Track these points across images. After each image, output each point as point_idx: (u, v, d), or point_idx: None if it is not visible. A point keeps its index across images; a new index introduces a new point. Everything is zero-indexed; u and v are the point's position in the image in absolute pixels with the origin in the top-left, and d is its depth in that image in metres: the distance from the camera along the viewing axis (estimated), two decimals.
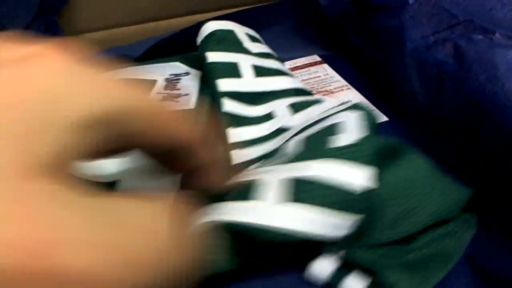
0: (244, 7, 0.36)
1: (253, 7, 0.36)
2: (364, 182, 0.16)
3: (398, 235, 0.17)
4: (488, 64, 0.21)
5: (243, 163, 0.23)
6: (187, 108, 0.28)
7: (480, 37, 0.22)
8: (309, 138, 0.20)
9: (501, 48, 0.21)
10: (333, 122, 0.20)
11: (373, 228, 0.16)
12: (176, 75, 0.31)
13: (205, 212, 0.16)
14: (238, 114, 0.26)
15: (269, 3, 0.36)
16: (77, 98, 0.11)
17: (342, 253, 0.17)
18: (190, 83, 0.30)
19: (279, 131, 0.25)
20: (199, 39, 0.30)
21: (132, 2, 0.34)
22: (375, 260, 0.16)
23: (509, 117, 0.19)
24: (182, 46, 0.32)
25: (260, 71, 0.28)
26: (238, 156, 0.23)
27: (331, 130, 0.19)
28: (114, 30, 0.35)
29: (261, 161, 0.23)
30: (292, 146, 0.21)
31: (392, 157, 0.18)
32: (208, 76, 0.27)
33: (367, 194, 0.15)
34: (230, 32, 0.30)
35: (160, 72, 0.31)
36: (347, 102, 0.25)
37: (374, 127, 0.19)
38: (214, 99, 0.26)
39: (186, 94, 0.29)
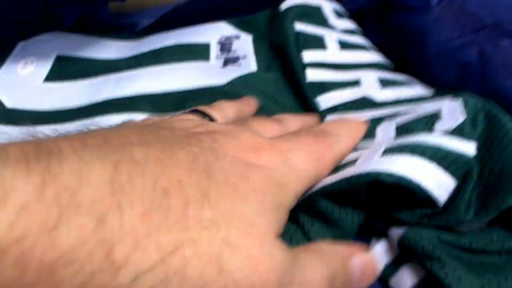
0: None
1: None
2: (472, 153, 0.17)
3: (482, 215, 0.15)
4: None
5: None
6: (250, 71, 0.27)
7: (507, 41, 0.22)
8: (410, 124, 0.20)
9: None
10: (434, 109, 0.20)
11: (461, 201, 0.16)
12: (227, 37, 0.31)
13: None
14: (324, 81, 0.26)
15: None
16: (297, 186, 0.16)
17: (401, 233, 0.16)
18: (244, 45, 0.30)
19: (366, 100, 0.24)
20: (284, 6, 0.30)
21: None
22: (436, 245, 0.15)
23: None
24: (201, 14, 0.32)
25: (345, 45, 0.28)
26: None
27: (433, 116, 0.20)
28: None
29: None
30: (386, 130, 0.21)
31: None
32: (290, 45, 0.27)
33: (472, 162, 0.16)
34: (317, 9, 0.30)
35: (209, 34, 0.31)
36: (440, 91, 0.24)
37: (473, 112, 0.19)
38: (293, 71, 0.26)
39: (244, 57, 0.29)
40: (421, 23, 0.27)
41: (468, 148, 0.17)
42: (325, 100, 0.25)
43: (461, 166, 0.16)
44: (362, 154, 0.18)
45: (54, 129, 0.23)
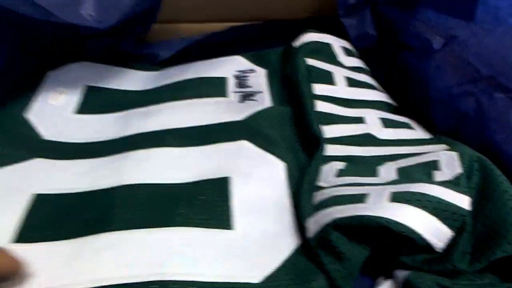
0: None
1: (281, 20, 0.38)
2: (467, 206, 0.19)
3: (475, 265, 0.18)
4: (507, 125, 0.23)
5: (330, 157, 0.25)
6: (265, 106, 0.29)
7: (501, 95, 0.25)
8: (410, 168, 0.23)
9: None
10: (433, 158, 0.23)
11: (456, 251, 0.18)
12: (242, 71, 0.33)
13: (321, 215, 0.20)
14: (330, 113, 0.28)
15: (298, 18, 0.38)
16: None
17: (405, 276, 0.18)
18: (259, 80, 0.32)
19: (369, 136, 0.27)
20: (297, 43, 0.32)
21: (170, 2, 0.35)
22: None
23: None
24: (218, 47, 0.34)
25: (352, 82, 0.31)
26: (329, 150, 0.26)
27: (432, 165, 0.22)
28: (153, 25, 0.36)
29: (347, 163, 0.25)
30: (388, 171, 0.23)
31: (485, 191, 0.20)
32: (302, 77, 0.29)
33: (467, 215, 0.19)
34: (327, 45, 0.33)
35: (226, 68, 0.33)
36: (437, 136, 0.27)
37: (468, 164, 0.21)
38: (303, 98, 0.28)
39: (260, 92, 0.31)
40: (424, 67, 0.29)
41: (464, 201, 0.20)
42: (330, 130, 0.27)
43: (457, 218, 0.19)
44: (370, 192, 0.21)
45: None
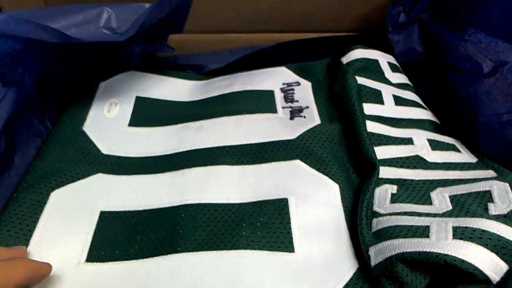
0: (317, 34, 0.38)
1: (328, 36, 0.38)
2: None
3: None
4: None
5: (382, 179, 0.27)
6: (315, 123, 0.30)
7: None
8: (463, 198, 0.24)
9: None
10: (485, 188, 0.24)
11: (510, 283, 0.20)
12: (288, 84, 0.34)
13: (385, 246, 0.21)
14: (380, 134, 0.29)
15: (344, 34, 0.38)
16: None
17: None
18: (305, 94, 0.33)
19: (418, 159, 0.28)
20: (345, 60, 0.33)
21: (214, 11, 0.36)
22: None
23: None
24: (265, 60, 0.35)
25: (400, 101, 0.31)
26: (381, 172, 0.27)
27: (486, 196, 0.23)
28: (193, 36, 0.36)
29: (399, 186, 0.26)
30: (441, 199, 0.24)
31: None
32: (353, 97, 0.30)
33: None
34: (375, 62, 0.33)
35: (272, 80, 0.34)
36: (483, 159, 0.28)
37: None
38: (355, 118, 0.29)
39: (307, 107, 0.32)
40: (473, 90, 0.30)
41: None
42: (380, 151, 0.28)
43: None
44: (431, 224, 0.22)
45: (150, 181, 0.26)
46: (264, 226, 0.25)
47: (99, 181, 0.28)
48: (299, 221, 0.25)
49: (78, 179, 0.27)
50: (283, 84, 0.34)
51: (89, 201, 0.26)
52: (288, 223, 0.25)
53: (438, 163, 0.28)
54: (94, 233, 0.25)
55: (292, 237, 0.24)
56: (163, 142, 0.31)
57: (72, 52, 0.31)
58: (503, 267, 0.20)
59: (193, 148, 0.30)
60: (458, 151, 0.29)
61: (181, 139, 0.30)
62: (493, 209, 0.22)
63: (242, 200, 0.26)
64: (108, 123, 0.32)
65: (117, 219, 0.26)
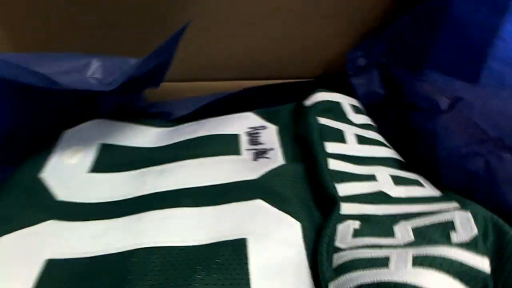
0: (283, 80, 0.39)
1: (291, 82, 0.39)
2: (487, 270, 0.19)
3: None
4: None
5: (345, 215, 0.26)
6: (278, 164, 0.30)
7: (510, 157, 0.25)
8: (426, 229, 0.23)
9: None
10: (447, 218, 0.23)
11: None
12: (254, 128, 0.34)
13: (344, 280, 0.20)
14: (342, 171, 0.29)
15: (306, 80, 0.39)
16: None
17: None
18: (270, 137, 0.33)
19: (381, 194, 0.27)
20: (308, 102, 0.33)
21: (183, 59, 0.37)
22: None
23: None
24: (232, 106, 0.35)
25: (362, 140, 0.31)
26: (343, 208, 0.26)
27: (448, 226, 0.23)
28: (163, 84, 0.37)
29: (362, 222, 0.25)
30: (403, 232, 0.23)
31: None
32: (315, 136, 0.30)
33: (488, 278, 0.19)
34: (337, 104, 0.34)
35: (238, 125, 0.34)
36: (447, 193, 0.28)
37: (483, 225, 0.22)
38: (316, 156, 0.29)
39: (272, 149, 0.32)
40: (431, 126, 0.30)
41: (483, 264, 0.20)
42: (343, 188, 0.27)
43: (479, 281, 0.19)
44: (391, 255, 0.21)
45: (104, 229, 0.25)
46: (220, 268, 0.23)
47: (50, 228, 0.26)
48: (258, 261, 0.24)
49: (28, 225, 0.26)
50: (249, 128, 0.34)
51: (35, 249, 0.25)
52: (246, 263, 0.24)
53: (401, 198, 0.27)
54: (39, 281, 0.23)
55: (249, 278, 0.23)
56: (123, 187, 0.30)
57: (47, 102, 0.31)
58: None
59: (153, 191, 0.29)
60: (422, 185, 0.28)
61: (142, 183, 0.30)
62: (455, 238, 0.22)
63: (198, 242, 0.25)
64: (67, 170, 0.31)
65: (64, 267, 0.24)
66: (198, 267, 0.23)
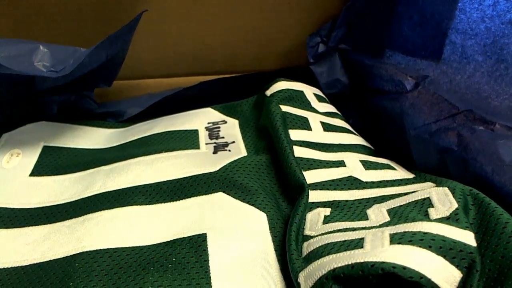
0: (243, 73, 0.37)
1: (251, 74, 0.37)
2: (473, 243, 0.17)
3: None
4: (493, 156, 0.22)
5: (314, 203, 0.24)
6: (240, 156, 0.28)
7: (481, 127, 0.24)
8: (401, 208, 0.21)
9: (504, 139, 0.22)
10: (424, 196, 0.21)
11: None
12: (213, 123, 0.32)
13: (315, 267, 0.18)
14: (309, 158, 0.26)
15: (268, 70, 0.38)
16: None
17: None
18: (231, 131, 0.31)
19: (352, 179, 0.25)
20: (269, 92, 0.31)
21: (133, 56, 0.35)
22: None
23: None
24: (188, 102, 0.33)
25: (328, 127, 0.29)
26: (312, 196, 0.24)
27: (425, 203, 0.21)
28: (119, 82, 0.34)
29: (333, 208, 0.23)
30: (378, 214, 0.21)
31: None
32: (278, 124, 0.28)
33: (474, 252, 0.17)
34: (300, 92, 0.32)
35: (197, 120, 0.32)
36: (420, 174, 0.26)
37: (462, 199, 0.20)
38: (280, 144, 0.27)
39: (233, 142, 0.29)
40: (398, 107, 0.29)
41: (469, 238, 0.18)
42: (311, 176, 0.25)
43: (465, 256, 0.17)
44: (366, 235, 0.19)
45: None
46: (176, 268, 0.21)
47: None
48: (220, 257, 0.21)
49: None
50: (209, 123, 0.32)
51: None
52: (206, 260, 0.21)
53: (373, 182, 0.25)
54: None
55: (210, 277, 0.20)
56: (67, 190, 0.27)
57: None
58: (455, 274, 0.17)
59: (101, 191, 0.26)
60: (394, 169, 0.27)
61: (89, 184, 0.27)
62: (434, 213, 0.20)
63: (152, 242, 0.22)
64: (6, 174, 0.28)
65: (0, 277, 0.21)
66: (151, 268, 0.20)
